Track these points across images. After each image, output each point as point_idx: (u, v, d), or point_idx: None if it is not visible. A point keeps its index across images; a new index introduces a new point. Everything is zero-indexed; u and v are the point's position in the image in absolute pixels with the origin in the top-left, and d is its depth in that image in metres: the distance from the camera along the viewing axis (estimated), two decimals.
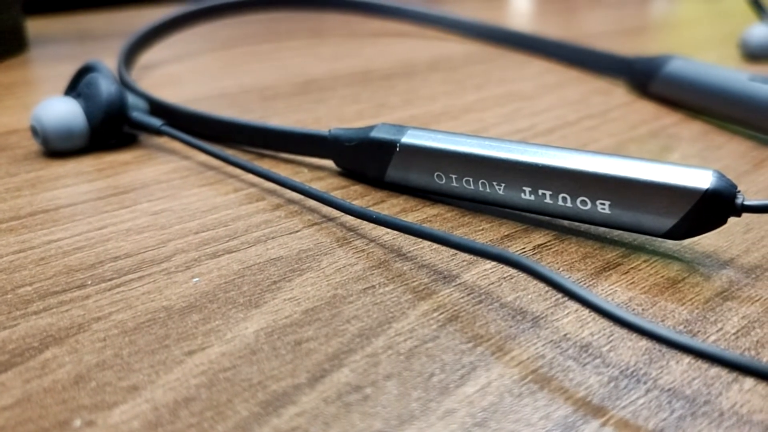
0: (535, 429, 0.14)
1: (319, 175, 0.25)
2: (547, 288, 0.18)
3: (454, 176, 0.22)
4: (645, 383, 0.15)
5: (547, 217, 0.22)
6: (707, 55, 0.45)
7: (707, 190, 0.18)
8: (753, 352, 0.16)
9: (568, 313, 0.17)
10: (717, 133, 0.30)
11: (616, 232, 0.21)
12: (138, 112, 0.27)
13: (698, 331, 0.17)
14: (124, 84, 0.31)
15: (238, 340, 0.16)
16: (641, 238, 0.21)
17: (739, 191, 0.19)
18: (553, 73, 0.38)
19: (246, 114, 0.32)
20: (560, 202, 0.20)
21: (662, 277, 0.19)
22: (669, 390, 0.15)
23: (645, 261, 0.20)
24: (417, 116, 0.31)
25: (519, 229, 0.21)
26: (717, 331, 0.17)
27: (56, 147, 0.26)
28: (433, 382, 0.15)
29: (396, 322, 0.17)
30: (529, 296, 0.18)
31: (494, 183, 0.21)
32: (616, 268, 0.19)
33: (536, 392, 0.15)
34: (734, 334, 0.17)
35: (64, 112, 0.25)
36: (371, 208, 0.22)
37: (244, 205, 0.23)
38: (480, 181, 0.22)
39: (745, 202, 0.19)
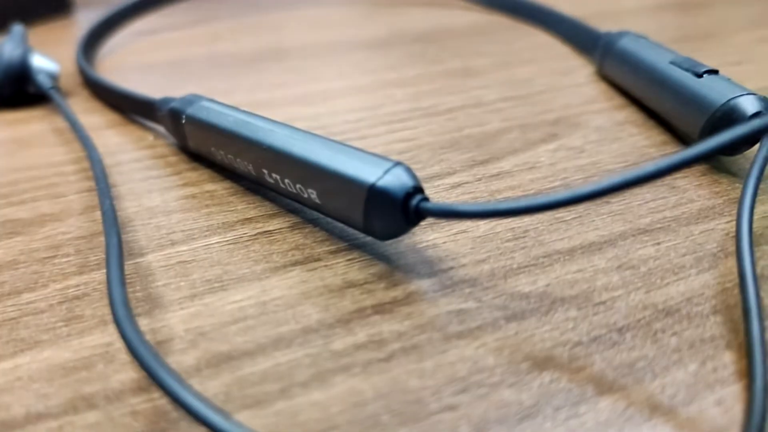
0: None
1: (161, 142, 0.25)
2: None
3: (222, 152, 0.21)
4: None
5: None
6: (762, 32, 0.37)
7: (373, 185, 0.16)
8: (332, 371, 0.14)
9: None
10: (637, 125, 0.26)
11: None
12: (44, 75, 0.29)
13: (306, 343, 0.15)
14: (86, 54, 0.33)
15: None
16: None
17: (417, 191, 0.16)
18: (538, 49, 0.35)
19: (181, 79, 0.32)
20: (290, 188, 0.19)
21: (344, 278, 0.17)
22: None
23: (350, 259, 0.18)
24: (322, 91, 0.30)
25: (267, 213, 0.20)
26: (324, 344, 0.15)
27: None
28: None
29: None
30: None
31: (245, 162, 0.20)
32: (308, 264, 0.18)
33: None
34: (338, 353, 0.15)
35: None
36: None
37: (54, 167, 0.24)
38: (237, 159, 0.21)
39: (422, 205, 0.16)
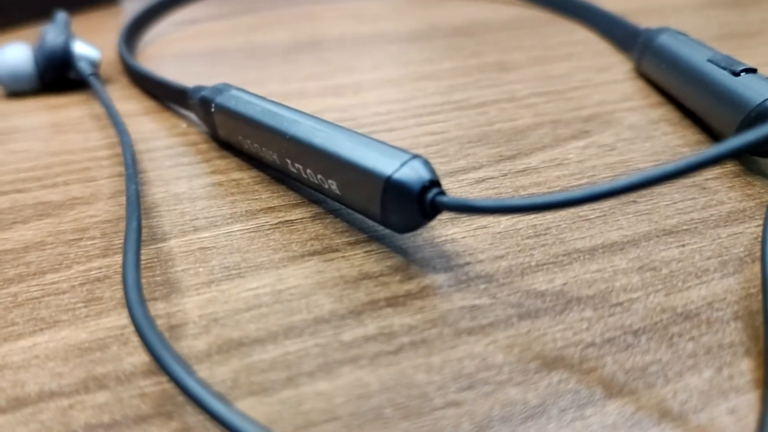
0: None
1: (193, 130, 0.26)
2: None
3: (249, 141, 0.21)
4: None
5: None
6: None
7: (389, 177, 0.16)
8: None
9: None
10: (672, 124, 0.25)
11: None
12: (85, 61, 0.30)
13: (317, 333, 0.15)
14: (128, 42, 0.34)
15: None
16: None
17: (433, 185, 0.16)
18: (576, 45, 0.34)
19: (217, 69, 0.33)
20: (312, 179, 0.19)
21: (360, 270, 0.17)
22: None
23: (368, 251, 0.18)
24: (354, 83, 0.30)
25: (290, 203, 0.21)
26: (334, 335, 0.15)
27: (9, 88, 0.30)
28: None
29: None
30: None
31: (271, 151, 0.20)
32: (326, 254, 0.18)
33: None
34: (347, 344, 0.15)
35: (12, 57, 0.29)
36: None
37: (89, 152, 0.24)
38: (263, 149, 0.21)
39: (438, 199, 0.16)
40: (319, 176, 0.19)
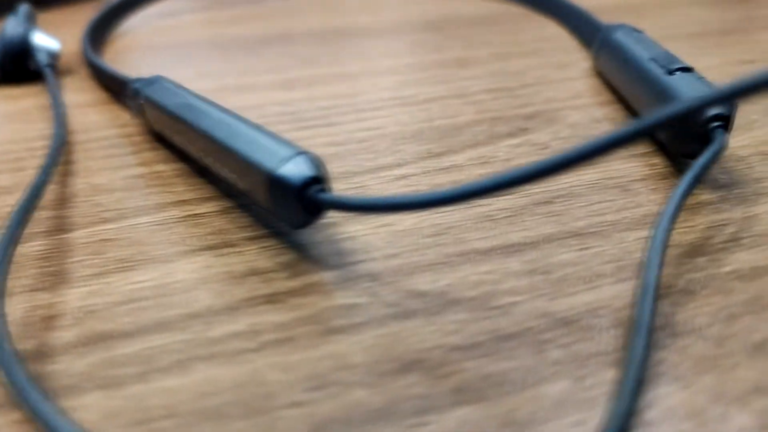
0: None
1: (134, 122, 0.26)
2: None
3: (171, 133, 0.22)
4: None
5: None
6: None
7: (272, 172, 0.16)
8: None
9: None
10: (614, 123, 0.24)
11: None
12: (43, 53, 0.30)
13: (186, 328, 0.15)
14: (97, 34, 0.34)
15: None
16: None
17: (316, 182, 0.16)
18: (544, 41, 0.33)
19: (179, 62, 0.33)
20: (220, 172, 0.19)
21: (250, 266, 0.17)
22: None
23: (264, 246, 0.18)
24: (308, 77, 0.30)
25: (204, 197, 0.21)
26: (202, 331, 0.15)
27: None
28: None
29: None
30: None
31: (188, 144, 0.21)
32: (221, 249, 0.18)
33: None
34: (212, 340, 0.15)
35: None
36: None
37: (27, 142, 0.25)
38: (183, 141, 0.21)
39: (321, 196, 0.16)
40: (225, 170, 0.19)
